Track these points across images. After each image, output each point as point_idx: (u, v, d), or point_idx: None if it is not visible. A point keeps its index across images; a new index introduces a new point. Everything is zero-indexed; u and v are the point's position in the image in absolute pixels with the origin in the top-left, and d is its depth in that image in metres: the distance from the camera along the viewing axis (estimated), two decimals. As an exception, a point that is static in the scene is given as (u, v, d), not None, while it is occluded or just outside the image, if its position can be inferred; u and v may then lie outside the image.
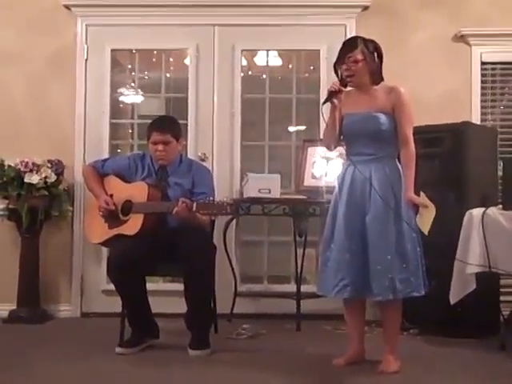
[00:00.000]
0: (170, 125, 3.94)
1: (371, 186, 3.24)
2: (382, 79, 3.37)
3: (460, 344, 3.85)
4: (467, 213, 3.82)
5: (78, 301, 4.80)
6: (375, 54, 3.32)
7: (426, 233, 3.19)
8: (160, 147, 3.84)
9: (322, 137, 3.54)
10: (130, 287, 3.65)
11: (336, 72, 3.36)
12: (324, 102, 3.35)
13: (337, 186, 3.41)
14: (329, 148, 3.53)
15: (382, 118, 3.27)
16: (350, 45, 3.32)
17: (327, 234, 3.37)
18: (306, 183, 4.65)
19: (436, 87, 4.74)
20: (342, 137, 3.42)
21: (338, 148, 3.62)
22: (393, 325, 3.34)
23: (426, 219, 3.18)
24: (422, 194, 3.24)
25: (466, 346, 3.82)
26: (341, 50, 3.32)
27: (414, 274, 3.24)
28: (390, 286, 3.19)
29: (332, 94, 3.29)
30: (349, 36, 4.61)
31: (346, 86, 3.32)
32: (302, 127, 5.05)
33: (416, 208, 3.23)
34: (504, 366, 3.43)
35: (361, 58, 3.27)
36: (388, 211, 3.22)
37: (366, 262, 3.23)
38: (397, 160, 3.33)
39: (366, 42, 3.33)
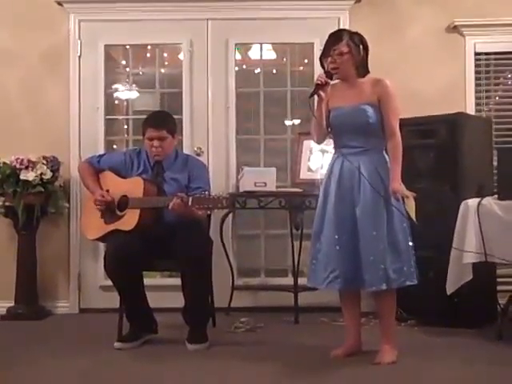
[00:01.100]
0: (165, 120, 3.94)
1: (360, 177, 3.26)
2: (368, 71, 3.38)
3: (457, 334, 3.86)
4: (463, 203, 3.83)
5: (75, 297, 4.81)
6: (361, 47, 3.33)
7: (415, 220, 3.22)
8: (155, 143, 3.84)
9: (310, 130, 3.53)
10: (128, 282, 3.66)
11: (322, 65, 3.37)
12: (311, 95, 3.35)
13: (325, 178, 3.42)
14: (317, 141, 3.52)
15: (369, 110, 3.28)
16: (335, 37, 3.32)
17: (317, 227, 3.38)
18: (301, 176, 4.66)
19: (430, 78, 4.75)
20: (329, 130, 3.43)
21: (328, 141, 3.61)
22: (388, 315, 3.36)
23: (410, 208, 3.22)
24: (401, 185, 3.25)
25: (464, 335, 3.83)
26: (326, 43, 3.34)
27: (406, 263, 3.26)
28: (383, 276, 3.21)
29: (319, 87, 3.29)
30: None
31: (331, 79, 3.33)
32: (297, 120, 5.05)
33: (402, 199, 3.25)
34: (501, 356, 3.45)
35: (346, 51, 3.28)
36: (378, 202, 3.24)
37: (357, 253, 3.24)
38: (384, 152, 3.35)
39: (351, 34, 3.35)
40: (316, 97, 3.34)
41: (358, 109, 3.30)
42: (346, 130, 3.33)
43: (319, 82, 3.29)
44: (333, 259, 3.27)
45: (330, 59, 3.30)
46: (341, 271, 3.26)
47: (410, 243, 3.29)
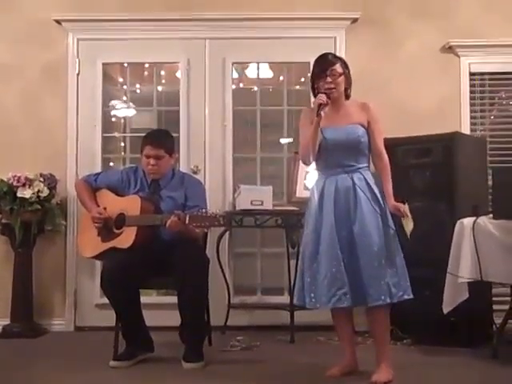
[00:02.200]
0: (163, 139, 3.95)
1: (356, 195, 3.30)
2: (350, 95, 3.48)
3: (453, 353, 3.86)
4: (458, 222, 3.85)
5: (71, 315, 4.80)
6: (347, 71, 3.44)
7: (409, 237, 3.24)
8: (152, 161, 3.86)
9: (300, 150, 3.51)
10: (124, 300, 3.66)
11: (313, 87, 3.42)
12: (317, 115, 3.38)
13: (316, 198, 3.41)
14: (307, 161, 3.46)
15: (361, 131, 3.37)
16: (329, 59, 3.40)
17: (312, 248, 3.35)
18: (298, 194, 4.67)
19: (425, 98, 4.79)
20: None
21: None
22: (383, 333, 3.37)
23: (407, 227, 3.25)
24: (406, 204, 3.28)
25: (459, 354, 3.84)
26: (322, 65, 3.38)
27: (402, 277, 3.29)
28: (386, 290, 3.23)
29: (320, 107, 3.33)
30: (338, 47, 4.70)
31: (330, 99, 3.36)
32: (293, 139, 5.07)
33: (399, 215, 3.28)
34: (496, 375, 3.45)
35: (342, 72, 3.38)
36: (376, 218, 3.28)
37: (358, 270, 3.25)
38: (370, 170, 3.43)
39: (340, 57, 3.50)
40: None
41: (351, 129, 3.37)
42: (338, 150, 3.37)
43: (321, 102, 3.32)
44: (339, 277, 3.24)
45: (328, 79, 3.34)
46: (348, 288, 3.25)
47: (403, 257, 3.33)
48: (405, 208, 3.26)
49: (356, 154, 3.37)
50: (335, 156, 3.39)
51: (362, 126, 3.38)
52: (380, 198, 3.32)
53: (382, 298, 3.22)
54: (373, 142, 3.40)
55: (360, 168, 3.37)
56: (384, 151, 3.40)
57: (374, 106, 3.43)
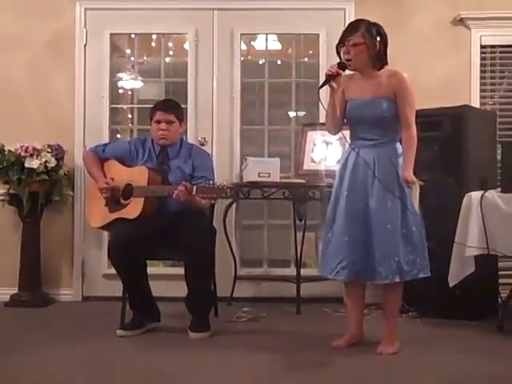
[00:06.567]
0: (174, 106, 3.99)
1: (374, 170, 3.26)
2: (386, 63, 3.34)
3: (458, 326, 3.88)
4: (466, 196, 3.84)
5: (79, 285, 4.83)
6: (378, 39, 3.28)
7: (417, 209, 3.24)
8: (163, 126, 3.87)
9: (324, 121, 3.53)
10: (131, 270, 3.68)
11: (338, 54, 3.35)
12: (321, 86, 3.35)
13: (339, 169, 3.42)
14: (331, 132, 3.52)
15: (385, 104, 3.28)
16: (351, 28, 3.31)
17: (329, 217, 3.39)
18: (305, 167, 4.66)
19: (435, 71, 4.74)
20: (345, 121, 3.44)
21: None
22: (393, 307, 3.38)
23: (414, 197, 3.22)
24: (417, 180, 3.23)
25: (465, 327, 3.85)
26: (343, 32, 3.32)
27: (419, 255, 3.28)
28: (396, 268, 3.23)
29: (330, 78, 3.29)
30: (348, 20, 4.61)
31: (344, 70, 3.31)
32: (302, 111, 5.05)
33: (408, 185, 3.23)
34: (501, 347, 3.47)
35: (360, 42, 3.25)
36: (391, 195, 3.24)
37: (370, 246, 3.25)
38: (399, 143, 3.34)
39: (369, 25, 3.29)
40: (328, 88, 3.33)
41: (374, 102, 3.29)
42: (361, 123, 3.33)
43: (330, 73, 3.28)
44: (342, 249, 3.28)
45: (344, 49, 3.29)
46: (348, 262, 3.27)
47: (424, 235, 3.31)
48: (415, 179, 3.19)
49: (381, 128, 3.30)
50: (358, 129, 3.36)
51: (387, 98, 3.27)
52: (400, 173, 3.25)
53: (390, 276, 3.23)
54: (400, 114, 3.27)
55: (385, 142, 3.30)
56: (411, 123, 3.26)
57: (405, 75, 3.28)
